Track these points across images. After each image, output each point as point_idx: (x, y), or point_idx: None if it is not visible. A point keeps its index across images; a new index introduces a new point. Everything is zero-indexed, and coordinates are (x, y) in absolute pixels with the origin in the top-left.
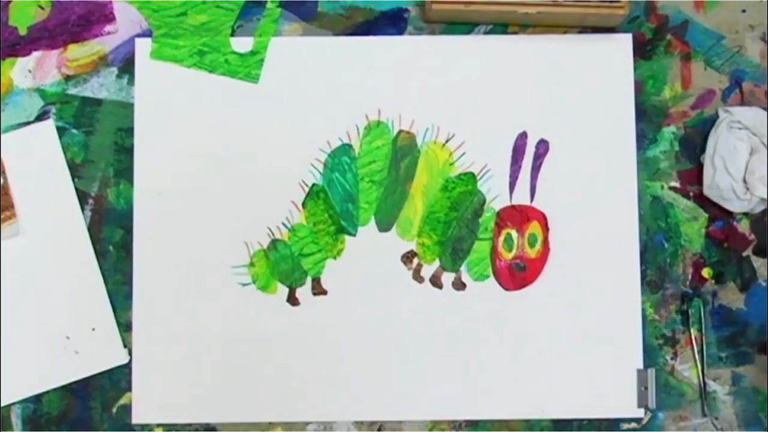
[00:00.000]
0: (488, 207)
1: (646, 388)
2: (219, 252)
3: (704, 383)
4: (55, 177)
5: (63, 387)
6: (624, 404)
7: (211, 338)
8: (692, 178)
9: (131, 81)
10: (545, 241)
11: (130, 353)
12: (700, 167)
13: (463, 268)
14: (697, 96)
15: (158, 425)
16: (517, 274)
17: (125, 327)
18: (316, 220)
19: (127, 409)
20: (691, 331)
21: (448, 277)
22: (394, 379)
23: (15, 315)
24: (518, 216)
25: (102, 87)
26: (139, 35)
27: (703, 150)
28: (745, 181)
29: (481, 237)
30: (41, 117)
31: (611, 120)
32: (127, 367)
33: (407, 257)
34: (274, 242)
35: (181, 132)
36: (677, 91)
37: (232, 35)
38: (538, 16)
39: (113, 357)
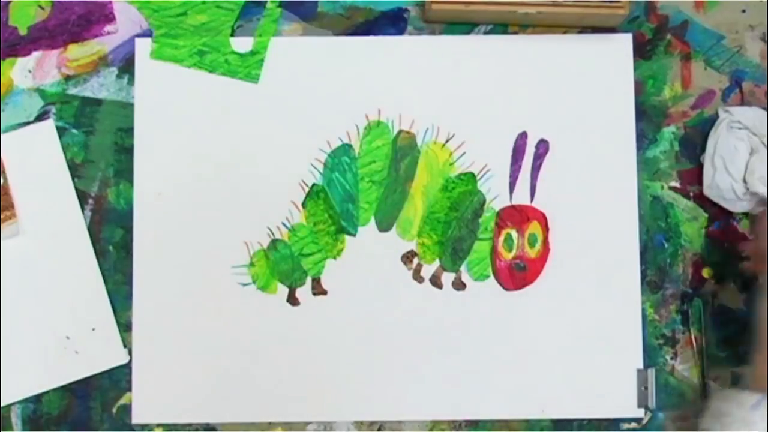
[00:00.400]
0: (488, 207)
1: (646, 388)
2: (219, 252)
3: (704, 383)
4: (55, 177)
5: (63, 387)
6: (624, 404)
7: (211, 338)
8: (692, 178)
9: (131, 81)
10: (545, 241)
11: (130, 353)
12: (700, 167)
13: (463, 268)
14: (697, 96)
15: (158, 425)
16: (517, 274)
17: (125, 327)
18: (316, 220)
19: (127, 409)
20: (691, 331)
21: (448, 277)
22: (394, 379)
23: (15, 315)
24: (518, 216)
25: (102, 87)
26: (139, 35)
27: (703, 150)
28: (745, 181)
29: (481, 237)
30: (41, 117)
31: (611, 120)
32: (127, 367)
33: (407, 257)
34: (274, 242)
35: (181, 132)
36: (677, 91)
37: (232, 35)
38: (538, 16)
39: (113, 357)
